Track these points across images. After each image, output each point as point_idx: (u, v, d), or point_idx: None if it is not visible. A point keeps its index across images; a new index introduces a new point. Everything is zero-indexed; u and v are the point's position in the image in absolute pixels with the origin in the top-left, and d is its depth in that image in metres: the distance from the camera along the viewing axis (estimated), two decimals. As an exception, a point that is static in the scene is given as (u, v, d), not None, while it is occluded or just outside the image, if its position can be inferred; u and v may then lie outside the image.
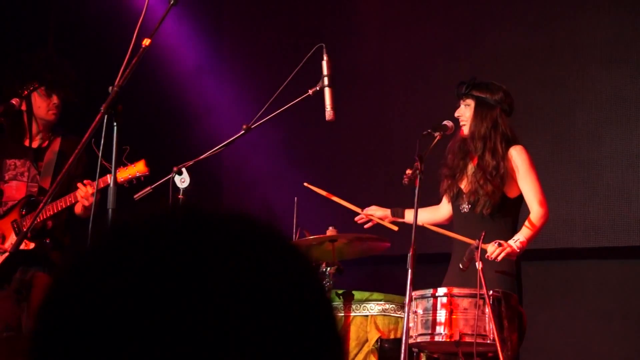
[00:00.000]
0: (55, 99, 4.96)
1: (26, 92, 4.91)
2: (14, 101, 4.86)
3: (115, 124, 3.35)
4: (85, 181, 4.61)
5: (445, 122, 4.65)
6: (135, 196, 4.12)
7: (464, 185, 4.72)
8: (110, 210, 3.35)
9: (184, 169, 3.96)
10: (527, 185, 4.60)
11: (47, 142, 5.05)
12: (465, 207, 4.68)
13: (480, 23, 6.75)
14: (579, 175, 6.24)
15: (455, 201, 4.76)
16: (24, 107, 4.94)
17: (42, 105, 4.95)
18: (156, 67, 6.79)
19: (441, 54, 6.83)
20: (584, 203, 6.20)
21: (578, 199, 6.22)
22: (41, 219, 4.74)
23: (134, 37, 3.44)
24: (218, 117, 7.45)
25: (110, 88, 3.38)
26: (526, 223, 4.53)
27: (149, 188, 4.11)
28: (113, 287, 0.81)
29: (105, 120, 3.34)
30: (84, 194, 4.59)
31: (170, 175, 3.97)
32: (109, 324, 0.80)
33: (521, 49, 6.53)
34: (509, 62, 6.51)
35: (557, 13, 6.46)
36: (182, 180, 3.95)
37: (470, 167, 4.71)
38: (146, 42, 3.49)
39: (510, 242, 4.41)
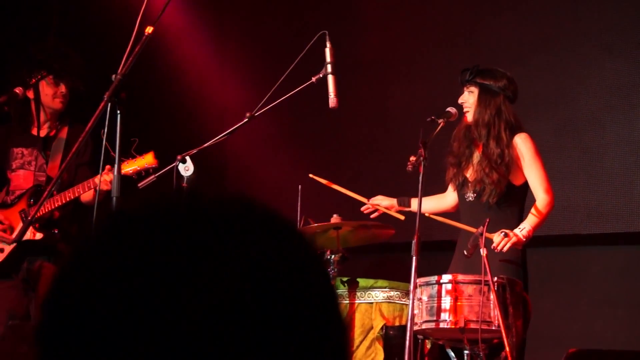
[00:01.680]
0: (62, 87, 4.98)
1: (34, 81, 4.91)
2: (18, 90, 4.87)
3: (118, 111, 3.35)
4: (107, 167, 4.60)
5: (448, 109, 4.63)
6: (139, 184, 4.13)
7: (469, 173, 4.71)
8: (114, 198, 3.36)
9: (187, 158, 3.96)
10: (533, 173, 4.59)
11: (54, 131, 5.06)
12: (470, 196, 4.67)
13: (482, 10, 6.73)
14: (582, 162, 6.23)
15: (460, 190, 4.75)
16: (31, 96, 4.96)
17: (50, 93, 4.96)
18: (159, 55, 6.78)
19: (443, 41, 6.82)
20: (588, 189, 6.19)
21: (581, 185, 6.21)
22: (49, 209, 4.74)
23: (137, 24, 3.44)
24: (222, 105, 7.45)
25: (114, 76, 3.38)
26: (532, 211, 4.52)
27: (153, 177, 4.12)
28: (116, 275, 0.81)
29: (109, 108, 3.34)
30: (107, 179, 4.57)
31: (174, 164, 3.97)
32: (113, 313, 0.80)
33: (524, 35, 6.51)
34: (511, 48, 6.50)
35: (561, -1, 6.44)
36: (186, 169, 3.95)
37: (476, 156, 4.70)
38: (149, 29, 3.48)
39: (516, 231, 4.40)
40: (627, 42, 6.16)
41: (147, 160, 4.41)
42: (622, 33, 6.17)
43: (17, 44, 5.25)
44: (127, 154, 4.31)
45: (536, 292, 5.01)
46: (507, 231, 4.36)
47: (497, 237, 4.34)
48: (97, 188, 3.93)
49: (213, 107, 7.44)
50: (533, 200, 4.57)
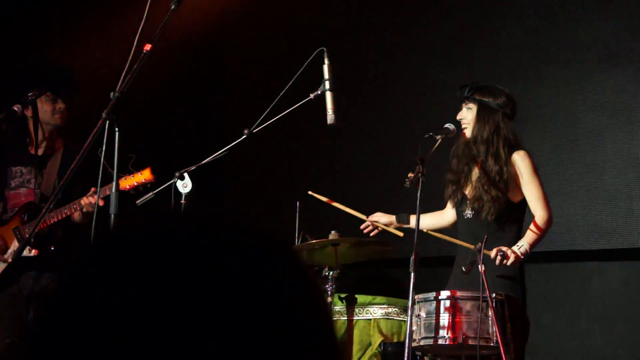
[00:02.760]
0: (61, 103, 4.98)
1: (32, 97, 4.92)
2: (15, 107, 4.87)
3: (116, 129, 3.35)
4: (92, 189, 4.62)
5: (447, 125, 4.63)
6: (137, 202, 4.13)
7: (468, 191, 4.70)
8: (112, 215, 3.36)
9: (186, 174, 3.97)
10: (531, 191, 4.59)
11: (50, 150, 5.06)
12: (469, 213, 4.65)
13: (481, 25, 6.75)
14: (582, 178, 6.22)
15: (459, 207, 4.74)
16: (29, 113, 4.96)
17: (49, 110, 4.96)
18: (157, 70, 6.79)
19: (442, 57, 6.83)
20: (587, 205, 6.18)
21: (580, 201, 6.20)
22: (45, 225, 4.74)
23: (135, 42, 3.45)
24: (220, 122, 7.46)
25: (112, 94, 3.39)
26: (531, 227, 4.51)
27: (151, 193, 4.13)
28: (112, 293, 0.82)
29: (107, 126, 3.35)
30: (88, 202, 4.61)
31: (172, 181, 3.98)
32: (108, 330, 0.80)
33: (523, 51, 6.52)
34: (510, 64, 6.50)
35: (559, 14, 6.45)
36: (185, 186, 3.96)
37: (475, 173, 4.69)
38: (147, 47, 3.49)
39: (515, 248, 4.39)
40: (628, 58, 6.16)
41: (145, 175, 4.42)
42: (623, 48, 6.18)
43: (15, 61, 5.25)
44: (125, 169, 4.33)
45: (535, 308, 5.01)
46: (504, 249, 4.34)
47: (494, 255, 4.32)
48: (95, 208, 3.93)
49: (212, 123, 7.45)
50: (531, 217, 4.56)
